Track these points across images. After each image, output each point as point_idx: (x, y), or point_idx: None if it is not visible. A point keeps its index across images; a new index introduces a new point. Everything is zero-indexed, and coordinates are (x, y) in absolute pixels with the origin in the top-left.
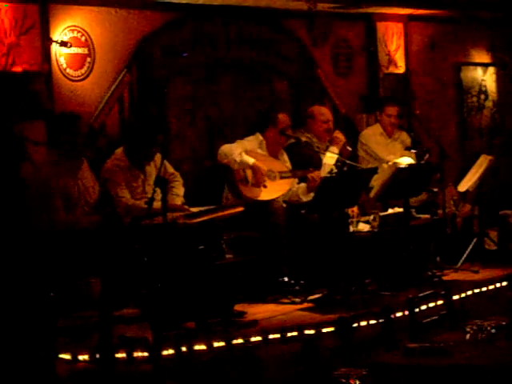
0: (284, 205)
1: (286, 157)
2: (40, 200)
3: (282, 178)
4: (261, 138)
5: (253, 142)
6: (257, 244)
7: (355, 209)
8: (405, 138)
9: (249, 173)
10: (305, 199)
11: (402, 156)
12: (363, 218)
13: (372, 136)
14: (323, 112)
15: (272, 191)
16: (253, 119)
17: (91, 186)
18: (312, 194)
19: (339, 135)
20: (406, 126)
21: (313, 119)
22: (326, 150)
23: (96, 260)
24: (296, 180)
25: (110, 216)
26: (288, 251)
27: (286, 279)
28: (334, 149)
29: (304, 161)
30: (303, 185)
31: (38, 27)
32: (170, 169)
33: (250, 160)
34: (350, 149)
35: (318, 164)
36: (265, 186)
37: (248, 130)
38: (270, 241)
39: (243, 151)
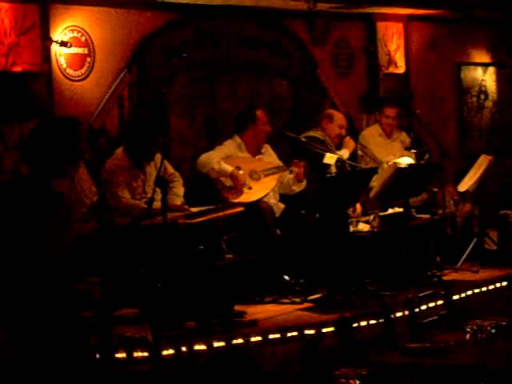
0: (282, 205)
1: (270, 150)
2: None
3: (266, 175)
4: (239, 140)
5: (231, 145)
6: (255, 244)
7: (358, 207)
8: (404, 138)
9: (229, 180)
10: (297, 189)
11: (402, 156)
12: (363, 218)
13: (371, 137)
14: (341, 117)
15: (257, 191)
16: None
17: (88, 187)
18: (304, 183)
19: (351, 141)
20: (406, 125)
21: (331, 121)
22: (339, 149)
23: (94, 265)
24: (286, 172)
25: (106, 222)
26: (288, 251)
27: (286, 278)
28: (346, 152)
29: (306, 160)
30: (292, 176)
31: (38, 27)
32: (170, 169)
33: (229, 168)
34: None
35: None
36: (250, 188)
37: (227, 134)
38: (260, 241)
39: (222, 159)
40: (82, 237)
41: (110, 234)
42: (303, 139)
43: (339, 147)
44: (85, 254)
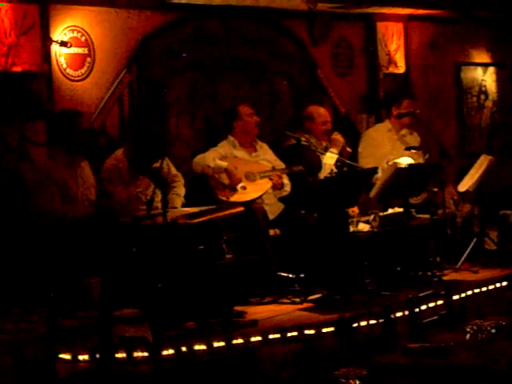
0: (282, 205)
1: (266, 147)
2: (36, 186)
3: (262, 178)
4: (232, 138)
5: (225, 145)
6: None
7: (355, 209)
8: (411, 140)
9: (224, 177)
10: (279, 195)
11: (402, 156)
12: (363, 218)
13: (372, 137)
14: (322, 113)
15: (252, 192)
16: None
17: (93, 186)
18: (287, 188)
19: (338, 137)
20: None
21: (311, 120)
22: (326, 150)
23: (92, 255)
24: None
25: (107, 209)
26: (288, 251)
27: (283, 274)
28: (334, 150)
29: (304, 162)
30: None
31: (38, 27)
32: (174, 170)
33: (224, 163)
34: (349, 150)
35: (318, 165)
36: (244, 188)
37: (219, 137)
38: (252, 242)
39: (216, 157)
40: (76, 218)
41: (110, 221)
42: (303, 139)
43: (330, 144)
44: (82, 241)
